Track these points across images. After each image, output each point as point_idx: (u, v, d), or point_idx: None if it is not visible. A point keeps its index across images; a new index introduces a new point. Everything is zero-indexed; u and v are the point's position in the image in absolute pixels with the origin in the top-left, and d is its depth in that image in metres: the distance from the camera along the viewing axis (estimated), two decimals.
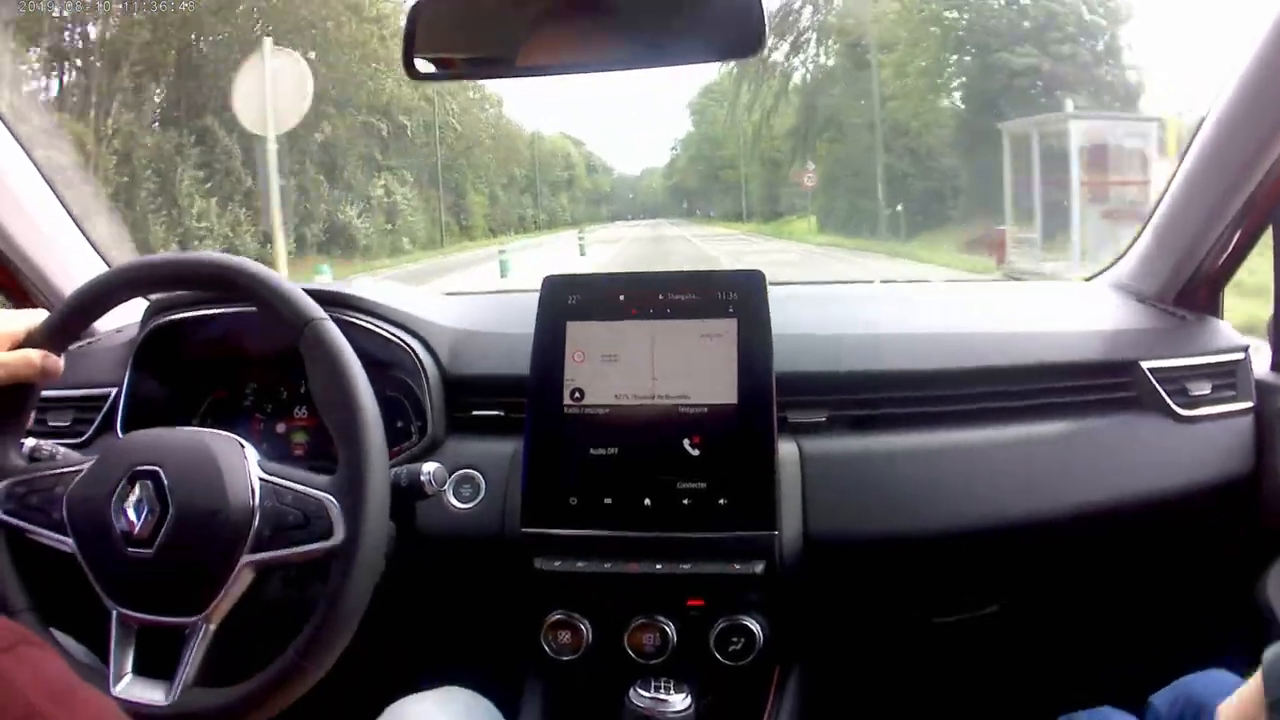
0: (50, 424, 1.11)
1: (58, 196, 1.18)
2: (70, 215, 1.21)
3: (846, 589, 1.06)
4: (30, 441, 0.95)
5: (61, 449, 0.97)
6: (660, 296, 0.98)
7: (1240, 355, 1.11)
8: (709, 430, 0.95)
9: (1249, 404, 1.09)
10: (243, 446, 0.88)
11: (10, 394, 0.89)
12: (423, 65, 0.92)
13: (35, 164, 1.14)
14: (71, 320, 0.91)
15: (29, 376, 0.89)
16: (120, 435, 1.06)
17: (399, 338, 1.05)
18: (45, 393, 0.95)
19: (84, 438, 1.09)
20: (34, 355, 0.88)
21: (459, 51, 0.97)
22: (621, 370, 0.97)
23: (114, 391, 1.10)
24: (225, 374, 1.13)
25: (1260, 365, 1.13)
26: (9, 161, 1.12)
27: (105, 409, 1.10)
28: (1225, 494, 1.06)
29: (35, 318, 0.91)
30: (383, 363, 1.02)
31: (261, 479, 0.85)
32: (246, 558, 0.83)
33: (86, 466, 0.89)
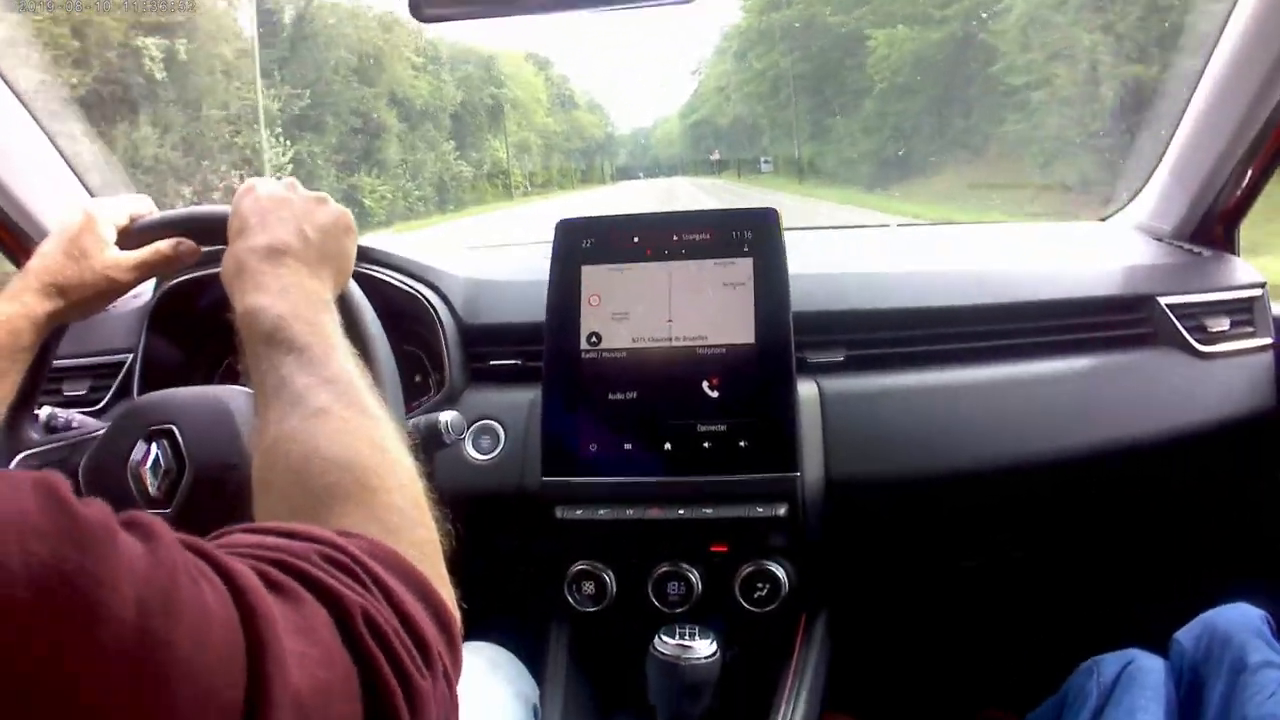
0: (66, 393, 1.10)
1: (49, 138, 1.13)
2: (63, 157, 1.15)
3: (870, 531, 1.05)
4: (45, 410, 0.95)
5: (78, 416, 0.96)
6: (675, 237, 0.97)
7: (1258, 291, 1.10)
8: (728, 371, 0.94)
9: (1268, 340, 1.08)
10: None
11: (26, 357, 0.87)
12: (429, 7, 0.92)
13: (16, 93, 1.11)
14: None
15: (162, 269, 0.84)
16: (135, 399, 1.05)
17: (414, 288, 1.04)
18: (59, 361, 0.95)
19: (100, 405, 1.08)
20: (164, 246, 0.82)
21: None
22: (638, 313, 0.96)
23: (129, 357, 1.09)
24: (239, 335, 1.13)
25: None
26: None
27: (121, 375, 1.09)
28: (1246, 430, 1.05)
29: (140, 205, 0.84)
30: (399, 314, 1.01)
31: None
32: None
33: (101, 433, 0.89)
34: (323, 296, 0.64)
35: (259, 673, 0.32)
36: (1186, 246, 1.14)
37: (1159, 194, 1.17)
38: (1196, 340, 1.05)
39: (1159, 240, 1.16)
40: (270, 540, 0.39)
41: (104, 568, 0.30)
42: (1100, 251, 1.16)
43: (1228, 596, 0.92)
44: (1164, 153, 1.14)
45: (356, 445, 0.49)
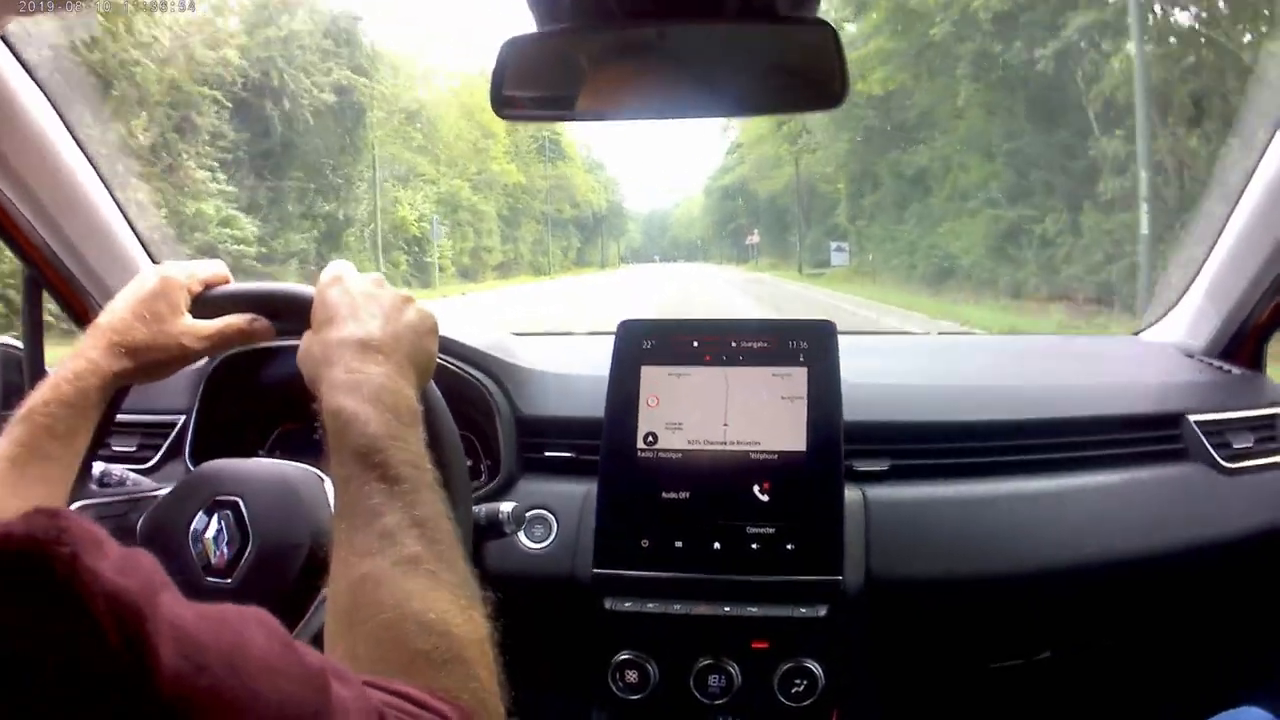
0: (115, 449, 1.12)
1: (110, 191, 1.14)
2: (123, 212, 1.17)
3: (905, 633, 1.08)
4: (100, 466, 0.96)
5: (131, 474, 0.97)
6: (734, 343, 1.00)
7: None
8: (779, 476, 0.97)
9: None
10: (322, 479, 0.89)
11: (94, 414, 0.86)
12: (510, 106, 0.94)
13: (90, 158, 1.12)
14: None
15: (235, 344, 0.83)
16: (189, 462, 1.06)
17: (474, 375, 1.06)
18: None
19: (150, 464, 1.10)
20: (239, 321, 0.80)
21: (544, 92, 0.99)
22: (694, 415, 0.99)
23: (182, 419, 1.11)
24: (296, 406, 1.14)
25: None
26: (68, 159, 1.08)
27: (173, 435, 1.10)
28: (1269, 543, 1.09)
29: (216, 271, 0.83)
30: (456, 400, 1.03)
31: None
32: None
33: (161, 493, 0.89)
34: (413, 406, 0.65)
35: None
36: (1216, 364, 1.18)
37: (1192, 311, 1.21)
38: (1223, 457, 1.10)
39: (1190, 357, 1.20)
40: (394, 699, 0.42)
41: (329, 710, 0.34)
42: (1134, 368, 1.20)
43: (1239, 700, 0.96)
44: (1199, 271, 1.18)
45: (448, 612, 0.51)
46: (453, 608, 0.51)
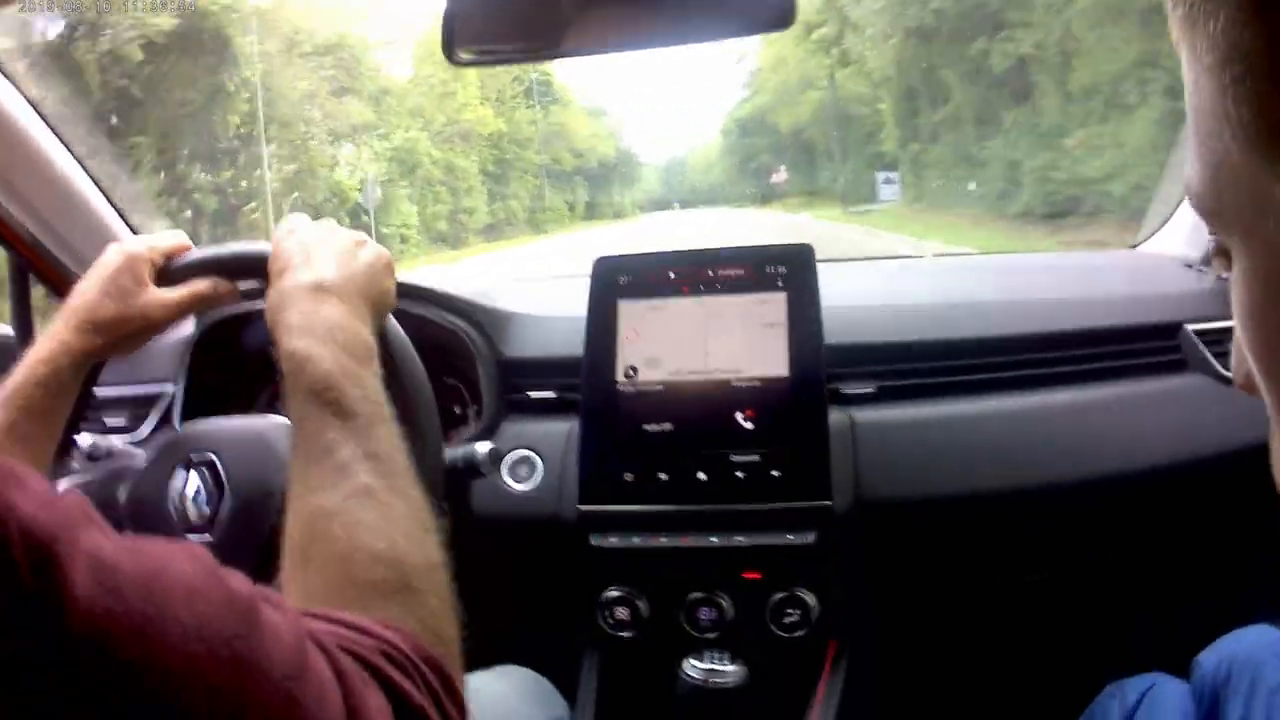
0: (107, 422, 1.13)
1: (90, 175, 1.15)
2: (105, 195, 1.17)
3: (897, 556, 1.07)
4: (88, 439, 0.97)
5: (118, 444, 0.99)
6: (710, 272, 0.99)
7: None
8: (761, 403, 0.95)
9: None
10: None
11: (69, 392, 0.88)
12: (463, 51, 0.93)
13: (58, 134, 1.12)
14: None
15: (200, 308, 0.84)
16: (179, 430, 1.08)
17: (453, 323, 1.06)
18: (101, 391, 0.97)
19: (141, 435, 1.11)
20: (202, 286, 0.81)
21: (496, 34, 0.98)
22: (674, 347, 0.98)
23: (170, 388, 1.12)
24: (277, 366, 1.15)
25: None
26: (41, 142, 1.08)
27: (162, 406, 1.12)
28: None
29: (177, 242, 0.84)
30: (438, 348, 1.03)
31: None
32: None
33: (143, 462, 0.91)
34: (367, 341, 0.65)
35: None
36: (1215, 273, 1.14)
37: (1188, 222, 1.17)
38: (1224, 367, 1.06)
39: (1188, 266, 1.17)
40: (336, 629, 0.42)
41: (255, 635, 0.34)
42: (1130, 279, 1.16)
43: (1253, 618, 0.93)
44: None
45: (398, 542, 0.51)
46: (403, 538, 0.51)
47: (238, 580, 0.36)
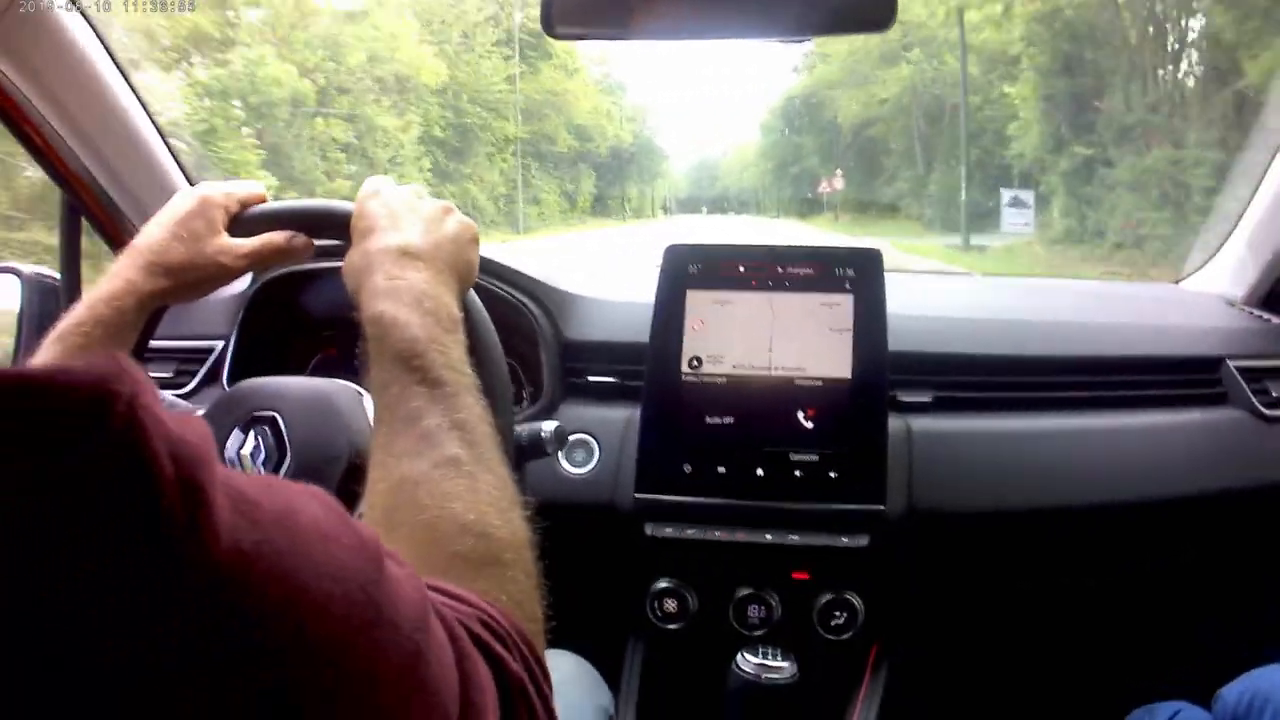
0: (152, 375, 1.11)
1: (152, 120, 1.13)
2: (164, 140, 1.16)
3: (946, 565, 1.08)
4: None
5: (169, 396, 0.97)
6: (779, 269, 1.00)
7: None
8: (823, 404, 0.96)
9: None
10: (360, 394, 0.89)
11: (130, 335, 0.86)
12: (562, 26, 0.94)
13: (126, 76, 1.11)
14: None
15: (273, 260, 0.81)
16: (226, 387, 1.06)
17: (519, 299, 1.06)
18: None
19: (187, 390, 1.09)
20: (278, 238, 0.79)
21: (596, 10, 0.98)
22: (739, 340, 0.98)
23: (219, 345, 1.10)
24: (337, 331, 1.14)
25: None
26: (108, 82, 1.07)
27: (210, 361, 1.10)
28: None
29: (254, 191, 0.82)
30: (500, 324, 1.03)
31: None
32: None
33: (198, 414, 0.89)
34: (453, 312, 0.64)
35: (468, 701, 0.35)
36: (1257, 313, 1.18)
37: (1234, 261, 1.21)
38: (1262, 404, 1.09)
39: (1231, 305, 1.20)
40: (438, 596, 0.41)
41: (386, 582, 0.33)
42: (1176, 313, 1.20)
43: (1274, 655, 0.95)
44: (1240, 221, 1.18)
45: (487, 514, 0.50)
46: (491, 510, 0.51)
47: (365, 527, 0.35)
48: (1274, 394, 1.11)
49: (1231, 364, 1.10)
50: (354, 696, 0.30)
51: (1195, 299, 1.24)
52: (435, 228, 0.69)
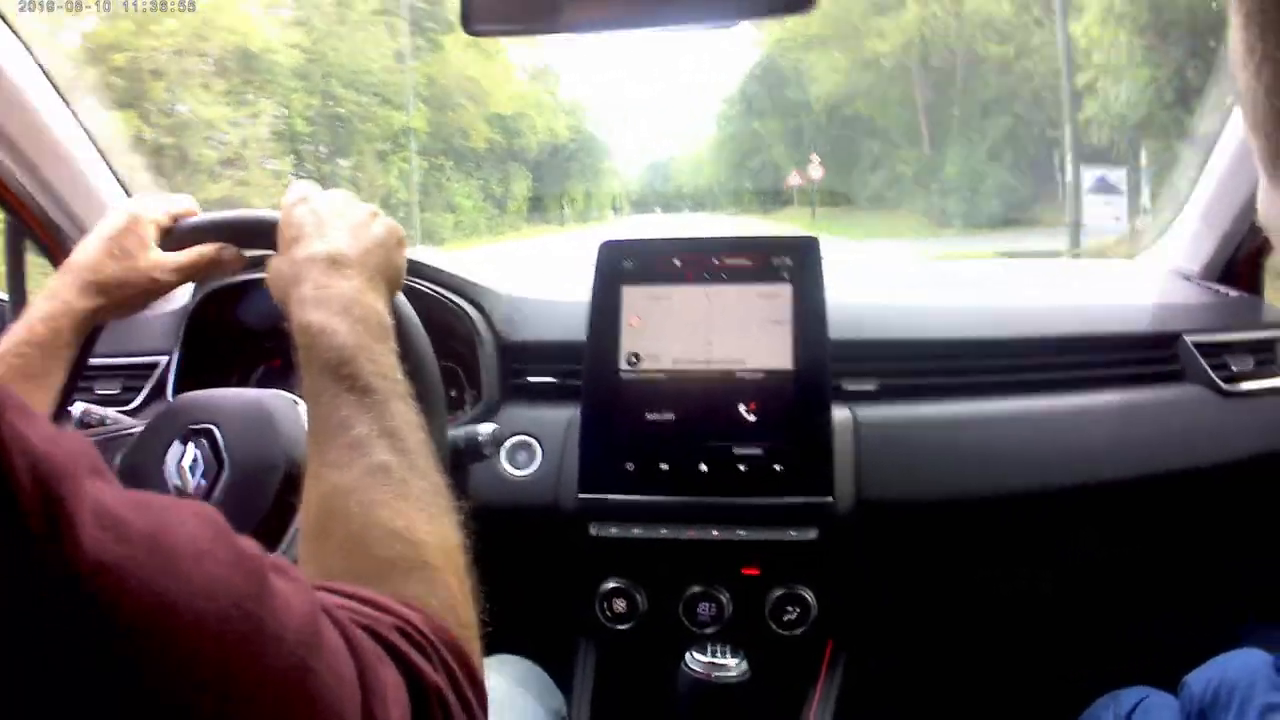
0: (98, 391, 1.11)
1: (89, 136, 1.13)
2: (103, 157, 1.16)
3: (897, 556, 1.06)
4: (79, 407, 0.95)
5: (112, 413, 0.97)
6: (715, 260, 0.99)
7: None
8: (765, 396, 0.95)
9: None
10: (296, 403, 0.88)
11: (67, 354, 0.86)
12: (479, 22, 0.93)
13: (62, 96, 1.11)
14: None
15: (205, 274, 0.83)
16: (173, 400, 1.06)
17: (455, 303, 1.05)
18: (93, 359, 0.95)
19: (133, 405, 1.09)
20: (209, 251, 0.80)
21: (516, 2, 0.97)
22: (678, 335, 0.97)
23: (164, 359, 1.10)
24: (279, 342, 1.13)
25: None
26: (40, 101, 1.07)
27: (155, 376, 1.09)
28: (1266, 468, 1.07)
29: (183, 205, 0.83)
30: (438, 328, 1.02)
31: None
32: None
33: (138, 431, 0.89)
34: (383, 319, 0.64)
35: (369, 712, 0.35)
36: (1214, 287, 1.16)
37: (1188, 235, 1.19)
38: (1221, 379, 1.07)
39: (1187, 280, 1.18)
40: (351, 604, 0.41)
41: (266, 599, 0.32)
42: (1130, 289, 1.18)
43: (1239, 640, 0.94)
44: (1192, 194, 1.16)
45: (417, 519, 0.50)
46: (420, 516, 0.50)
47: (247, 543, 0.34)
48: (1233, 368, 1.09)
49: (1188, 339, 1.08)
50: (232, 712, 0.30)
51: (1151, 274, 1.22)
52: (362, 233, 0.68)
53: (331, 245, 0.65)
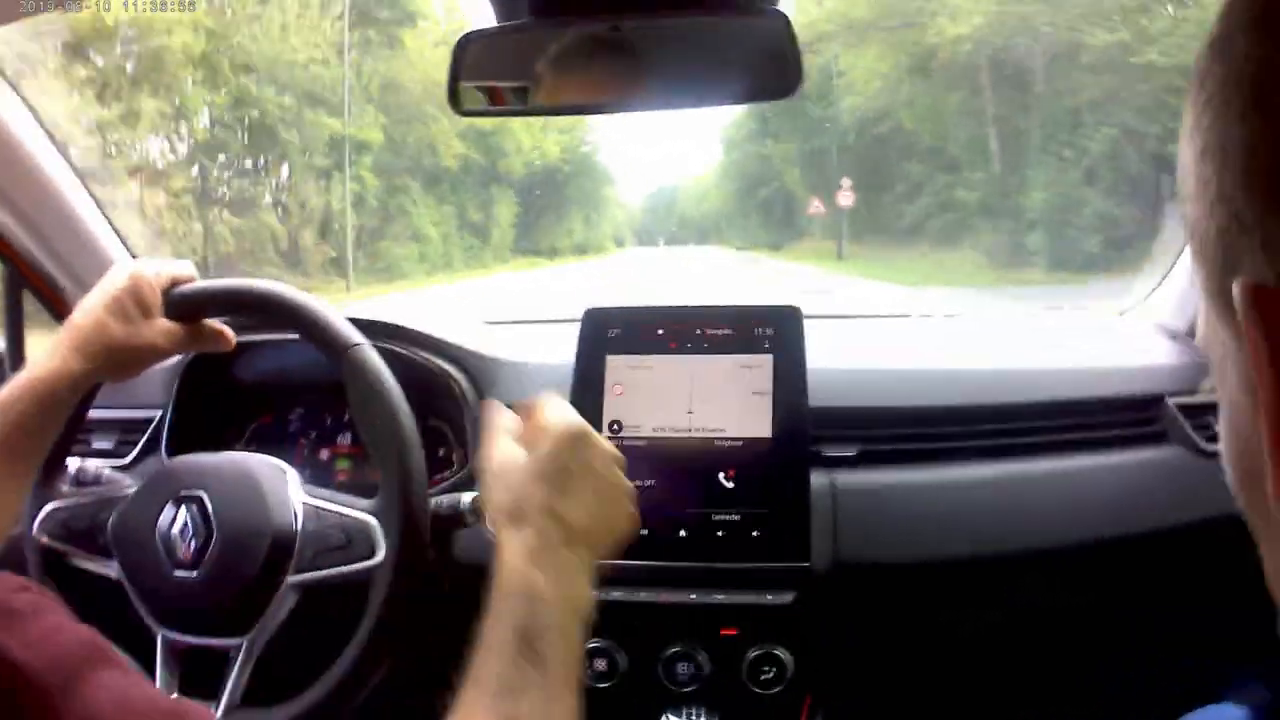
0: (94, 445, 1.14)
1: (89, 191, 1.17)
2: (102, 212, 1.19)
3: (875, 618, 1.08)
4: (75, 463, 0.98)
5: (107, 470, 0.99)
6: (698, 330, 1.00)
7: None
8: (744, 464, 0.96)
9: None
10: (284, 471, 0.91)
11: (63, 412, 0.88)
12: (468, 101, 0.94)
13: (65, 157, 1.13)
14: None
15: (205, 347, 0.92)
16: (165, 458, 1.08)
17: (441, 366, 1.07)
18: (90, 414, 0.98)
19: (128, 460, 1.11)
20: (213, 326, 0.91)
21: (501, 86, 0.99)
22: (659, 404, 0.99)
23: (159, 414, 1.12)
24: (271, 399, 1.16)
25: None
26: (41, 155, 1.10)
27: (150, 431, 1.12)
28: (1246, 531, 1.07)
29: (183, 270, 0.89)
30: (425, 390, 1.04)
31: (304, 502, 0.88)
32: (291, 579, 0.86)
33: (131, 492, 0.92)
34: (589, 605, 0.61)
35: None
36: (1197, 345, 1.16)
37: (1176, 292, 1.18)
38: (1202, 440, 1.08)
39: (1173, 338, 1.18)
40: None
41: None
42: (1115, 348, 1.18)
43: (1213, 696, 0.95)
44: (1182, 251, 1.16)
45: None
46: None
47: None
48: (1214, 428, 1.09)
49: (1171, 401, 1.08)
50: None
51: (1136, 331, 1.22)
52: (607, 509, 0.66)
53: (576, 513, 0.62)
